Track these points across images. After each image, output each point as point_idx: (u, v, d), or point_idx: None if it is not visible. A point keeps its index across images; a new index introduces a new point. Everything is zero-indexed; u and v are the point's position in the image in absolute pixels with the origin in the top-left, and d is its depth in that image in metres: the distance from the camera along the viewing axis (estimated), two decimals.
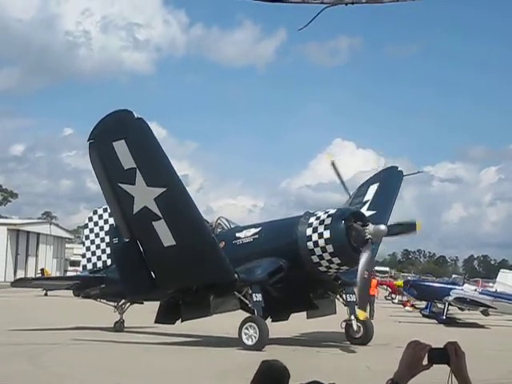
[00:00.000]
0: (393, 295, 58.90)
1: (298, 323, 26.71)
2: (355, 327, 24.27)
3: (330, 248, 22.49)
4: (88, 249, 30.47)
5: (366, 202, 27.79)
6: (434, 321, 37.17)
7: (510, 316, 37.18)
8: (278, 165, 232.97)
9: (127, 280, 23.57)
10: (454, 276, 58.69)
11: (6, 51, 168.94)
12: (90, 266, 30.24)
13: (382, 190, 28.27)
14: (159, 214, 21.88)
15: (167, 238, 21.98)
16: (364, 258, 21.93)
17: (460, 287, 37.79)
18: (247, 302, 22.79)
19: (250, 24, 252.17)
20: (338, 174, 22.96)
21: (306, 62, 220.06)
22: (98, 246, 30.16)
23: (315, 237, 22.77)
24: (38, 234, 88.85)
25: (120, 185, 22.06)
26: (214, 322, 25.13)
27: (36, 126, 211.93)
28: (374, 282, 38.23)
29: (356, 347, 23.42)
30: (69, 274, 66.84)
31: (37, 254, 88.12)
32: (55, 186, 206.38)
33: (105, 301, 28.60)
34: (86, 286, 28.67)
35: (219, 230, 25.20)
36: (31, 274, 76.50)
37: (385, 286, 62.37)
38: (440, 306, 38.13)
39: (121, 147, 21.63)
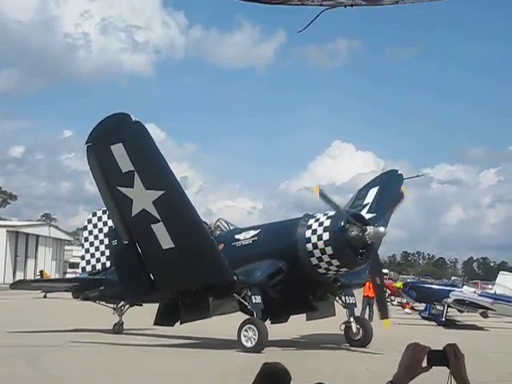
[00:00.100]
0: (392, 297, 58.90)
1: (298, 325, 26.70)
2: (354, 329, 24.28)
3: (329, 250, 22.49)
4: (87, 251, 30.46)
5: (366, 205, 27.79)
6: (434, 323, 37.18)
7: (509, 318, 37.19)
8: (277, 167, 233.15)
9: (126, 282, 23.59)
10: (453, 278, 58.63)
11: (4, 53, 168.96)
12: (89, 268, 30.21)
13: (381, 194, 28.28)
14: (158, 217, 21.90)
15: (166, 241, 21.99)
16: (370, 266, 21.94)
17: (459, 289, 37.78)
18: (246, 304, 22.79)
19: (249, 26, 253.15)
20: (330, 201, 22.98)
21: (306, 64, 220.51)
22: (97, 248, 30.14)
23: (314, 239, 22.76)
24: (38, 236, 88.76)
25: (118, 188, 22.08)
26: (213, 324, 25.12)
27: (35, 128, 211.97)
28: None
29: (355, 349, 23.43)
30: (68, 276, 66.76)
31: (36, 256, 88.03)
32: (54, 187, 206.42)
33: (104, 303, 28.56)
34: (85, 288, 28.64)
35: (218, 232, 25.20)
36: (30, 276, 76.36)
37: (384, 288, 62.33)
38: (439, 307, 38.12)
39: (119, 150, 21.67)
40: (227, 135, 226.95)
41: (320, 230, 22.77)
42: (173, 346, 23.48)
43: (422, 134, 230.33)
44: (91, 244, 30.38)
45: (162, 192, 21.84)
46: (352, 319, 24.40)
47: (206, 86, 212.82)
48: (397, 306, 53.51)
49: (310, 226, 23.04)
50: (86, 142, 22.29)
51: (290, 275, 23.14)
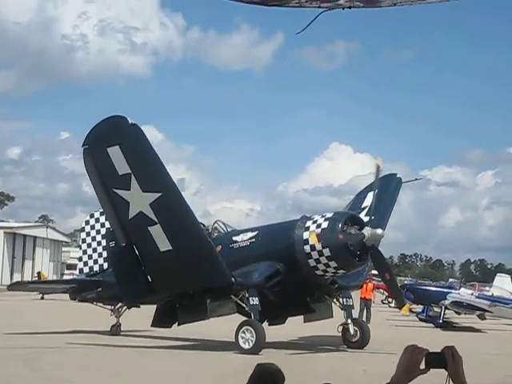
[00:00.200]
0: (389, 299, 58.89)
1: (295, 327, 26.73)
2: (352, 331, 24.28)
3: (326, 252, 22.51)
4: (85, 252, 30.44)
5: (364, 208, 27.82)
6: (431, 325, 37.23)
7: (506, 320, 37.23)
8: (275, 168, 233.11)
9: (124, 284, 23.60)
10: (450, 280, 58.85)
11: (3, 54, 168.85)
12: (86, 270, 30.19)
13: (380, 197, 28.32)
14: (155, 219, 21.92)
15: (163, 243, 22.00)
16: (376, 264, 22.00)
17: (457, 291, 37.84)
18: (244, 305, 22.80)
19: (247, 28, 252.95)
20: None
21: (303, 66, 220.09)
22: (94, 250, 30.12)
23: (312, 241, 22.77)
24: (35, 238, 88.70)
25: (115, 190, 22.10)
26: (211, 325, 25.12)
27: (33, 130, 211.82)
28: (370, 285, 38.29)
29: (353, 351, 23.44)
30: (65, 277, 66.70)
31: (33, 258, 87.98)
32: (52, 189, 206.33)
33: (101, 304, 28.57)
34: (83, 289, 28.63)
35: (216, 234, 25.21)
36: (28, 277, 76.26)
37: (381, 290, 62.39)
38: (437, 309, 38.19)
39: (115, 153, 21.69)
40: (225, 137, 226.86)
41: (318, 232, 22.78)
42: (170, 347, 23.48)
43: (419, 136, 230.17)
44: (89, 245, 30.37)
45: (159, 194, 21.86)
46: (349, 321, 24.41)
47: (203, 87, 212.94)
48: (394, 307, 53.58)
49: (307, 228, 23.05)
50: (83, 145, 22.33)
51: (288, 277, 23.16)
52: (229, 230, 25.63)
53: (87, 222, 30.89)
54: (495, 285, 43.16)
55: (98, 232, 30.21)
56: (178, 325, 24.15)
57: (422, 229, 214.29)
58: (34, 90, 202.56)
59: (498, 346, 28.03)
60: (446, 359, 3.33)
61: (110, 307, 27.97)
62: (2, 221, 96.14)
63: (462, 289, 38.35)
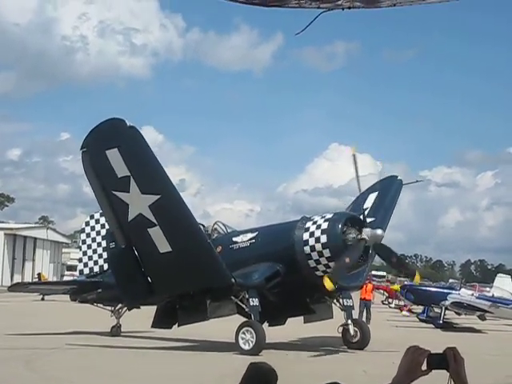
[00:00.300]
0: (390, 300, 58.93)
1: (295, 328, 26.70)
2: (352, 332, 24.26)
3: (326, 253, 22.51)
4: (85, 253, 30.43)
5: (365, 209, 27.81)
6: (431, 325, 37.20)
7: (506, 321, 37.21)
8: (274, 169, 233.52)
9: (124, 285, 23.60)
10: (450, 281, 58.86)
11: (2, 55, 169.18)
12: (86, 271, 30.18)
13: (381, 199, 28.37)
14: (154, 221, 21.92)
15: (163, 245, 22.00)
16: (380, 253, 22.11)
17: (457, 292, 37.81)
18: (244, 306, 22.79)
19: (246, 28, 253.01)
20: (356, 169, 23.23)
21: (303, 67, 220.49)
22: (94, 251, 30.11)
23: (312, 241, 22.78)
24: (35, 239, 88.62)
25: (114, 193, 22.10)
26: (211, 326, 25.09)
27: (33, 131, 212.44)
28: (370, 286, 38.24)
29: (353, 352, 23.42)
30: (65, 278, 66.75)
31: (34, 259, 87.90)
32: (52, 190, 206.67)
33: (101, 305, 28.55)
34: (83, 290, 28.63)
35: (216, 235, 25.20)
36: (28, 278, 76.21)
37: (381, 291, 62.41)
38: (437, 310, 38.15)
39: (114, 156, 21.70)
40: (225, 138, 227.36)
41: (318, 233, 22.79)
42: (170, 348, 23.47)
43: (419, 137, 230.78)
44: (89, 246, 30.36)
45: (158, 196, 21.86)
46: (350, 322, 24.38)
47: (203, 88, 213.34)
48: (394, 308, 53.61)
49: (307, 229, 23.05)
50: (81, 148, 22.34)
51: (288, 278, 23.15)
52: (229, 230, 25.63)
53: (87, 223, 30.87)
54: (495, 285, 43.16)
55: (98, 233, 30.19)
56: (178, 326, 24.14)
57: (422, 229, 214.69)
58: (33, 91, 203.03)
59: (498, 346, 28.02)
60: (448, 360, 3.32)
61: (110, 308, 27.95)
62: (3, 222, 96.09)
63: (463, 289, 38.32)
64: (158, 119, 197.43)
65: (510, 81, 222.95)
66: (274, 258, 23.35)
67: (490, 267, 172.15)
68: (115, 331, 27.24)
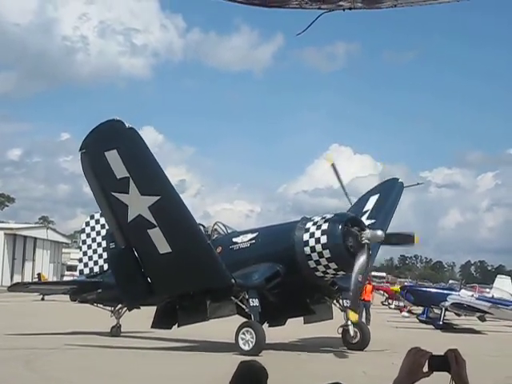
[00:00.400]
0: (390, 301, 58.91)
1: (295, 328, 26.69)
2: (352, 332, 24.25)
3: (326, 253, 22.51)
4: (85, 253, 30.44)
5: (366, 211, 27.86)
6: (431, 326, 37.20)
7: (506, 322, 37.19)
8: (274, 170, 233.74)
9: (124, 285, 23.59)
10: (450, 281, 58.75)
11: (3, 55, 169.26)
12: (86, 271, 30.20)
13: (381, 201, 28.41)
14: (154, 222, 21.89)
15: (163, 246, 21.99)
16: (359, 261, 21.97)
17: (457, 293, 37.80)
18: (244, 307, 22.78)
19: (247, 29, 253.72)
20: (338, 177, 23.17)
21: (304, 67, 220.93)
22: (94, 251, 30.13)
23: (312, 242, 22.77)
24: (35, 239, 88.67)
25: (113, 194, 22.08)
26: (211, 327, 25.09)
27: (33, 131, 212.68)
28: (369, 287, 38.22)
29: (353, 352, 23.40)
30: (65, 278, 66.79)
31: (34, 259, 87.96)
32: (52, 190, 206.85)
33: (101, 305, 28.56)
34: (83, 290, 28.64)
35: (216, 235, 25.20)
36: (28, 278, 76.24)
37: (381, 292, 62.42)
38: (437, 311, 38.14)
39: (113, 157, 21.67)
40: (225, 138, 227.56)
41: (318, 233, 22.78)
42: (170, 348, 23.46)
43: (419, 138, 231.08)
44: (89, 247, 30.37)
45: (158, 197, 21.84)
46: (350, 322, 24.36)
47: (204, 88, 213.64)
48: (394, 309, 53.60)
49: (307, 229, 23.04)
50: (80, 149, 22.30)
51: (288, 278, 23.14)
52: (229, 231, 25.63)
53: (87, 224, 30.89)
54: (495, 286, 43.16)
55: (98, 233, 30.21)
56: (178, 326, 24.13)
57: (422, 230, 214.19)
58: (34, 91, 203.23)
59: (498, 347, 28.01)
60: (450, 362, 3.32)
61: (110, 308, 27.96)
62: (3, 222, 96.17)
63: (463, 290, 38.30)
64: (158, 119, 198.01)
65: (511, 82, 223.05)
66: (274, 259, 23.34)
67: (490, 268, 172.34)
68: (115, 331, 27.25)
